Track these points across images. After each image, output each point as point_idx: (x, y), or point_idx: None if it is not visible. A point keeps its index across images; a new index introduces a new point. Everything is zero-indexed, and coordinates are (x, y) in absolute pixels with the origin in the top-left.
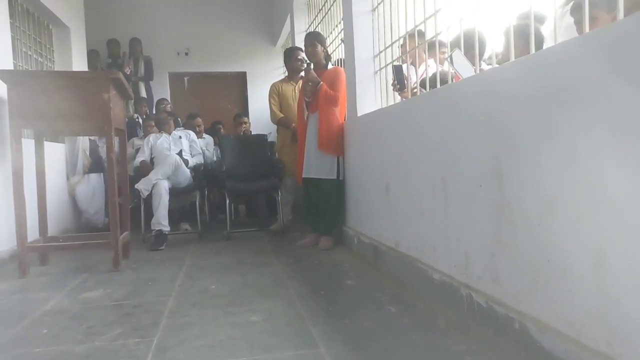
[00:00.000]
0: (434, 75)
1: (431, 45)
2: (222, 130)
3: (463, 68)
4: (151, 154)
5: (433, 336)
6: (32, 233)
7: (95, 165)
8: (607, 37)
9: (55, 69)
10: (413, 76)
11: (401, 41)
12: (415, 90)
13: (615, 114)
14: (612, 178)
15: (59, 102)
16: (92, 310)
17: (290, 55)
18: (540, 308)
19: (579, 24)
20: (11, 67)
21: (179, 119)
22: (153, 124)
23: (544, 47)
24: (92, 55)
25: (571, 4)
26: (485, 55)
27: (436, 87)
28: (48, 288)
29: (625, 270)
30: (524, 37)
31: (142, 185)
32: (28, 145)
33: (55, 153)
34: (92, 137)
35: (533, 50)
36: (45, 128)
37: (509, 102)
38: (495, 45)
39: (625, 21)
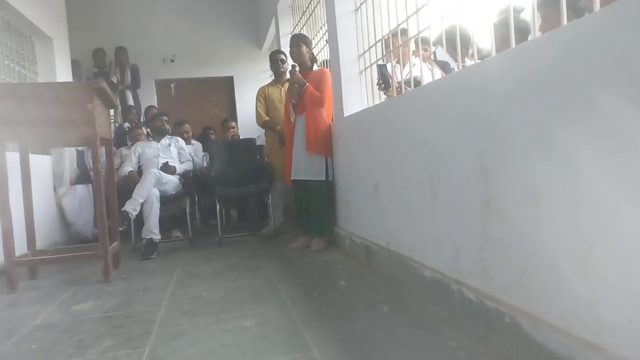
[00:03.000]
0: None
1: (415, 43)
2: (212, 136)
3: (446, 65)
4: (139, 163)
5: (426, 334)
6: (20, 247)
7: (83, 176)
8: (586, 29)
9: (39, 81)
10: (398, 75)
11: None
12: (399, 89)
13: (596, 108)
14: (595, 171)
15: (43, 113)
16: (83, 323)
17: (273, 58)
18: (530, 301)
19: (545, 19)
20: None
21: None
22: (141, 131)
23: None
24: (73, 65)
25: None
26: (469, 52)
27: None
28: (38, 302)
29: (611, 260)
30: (506, 30)
31: (130, 207)
32: (13, 158)
33: (42, 165)
34: (79, 148)
35: (514, 45)
36: (30, 140)
37: (492, 98)
38: (479, 41)
39: (597, 14)
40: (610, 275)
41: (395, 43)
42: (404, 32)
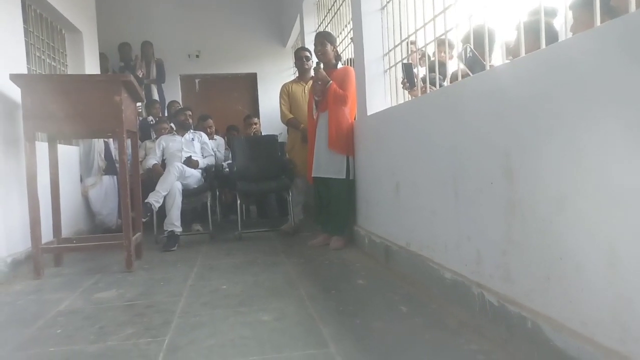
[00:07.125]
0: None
1: (440, 43)
2: (236, 135)
3: (474, 65)
4: (163, 156)
5: (445, 336)
6: (47, 235)
7: (109, 167)
8: (618, 30)
9: (68, 73)
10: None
11: (413, 38)
12: (424, 89)
13: (626, 110)
14: (622, 174)
15: (72, 105)
16: (105, 311)
17: (298, 55)
18: (553, 306)
19: (577, 21)
20: (25, 72)
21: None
22: (166, 125)
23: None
24: (101, 58)
25: None
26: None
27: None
28: (62, 289)
29: (638, 267)
30: (535, 32)
31: (153, 199)
32: (42, 148)
33: (69, 155)
34: (106, 139)
35: (543, 46)
36: (58, 131)
37: (518, 99)
38: (506, 40)
39: (635, 14)
40: (635, 282)
41: (439, 49)
42: (442, 42)
